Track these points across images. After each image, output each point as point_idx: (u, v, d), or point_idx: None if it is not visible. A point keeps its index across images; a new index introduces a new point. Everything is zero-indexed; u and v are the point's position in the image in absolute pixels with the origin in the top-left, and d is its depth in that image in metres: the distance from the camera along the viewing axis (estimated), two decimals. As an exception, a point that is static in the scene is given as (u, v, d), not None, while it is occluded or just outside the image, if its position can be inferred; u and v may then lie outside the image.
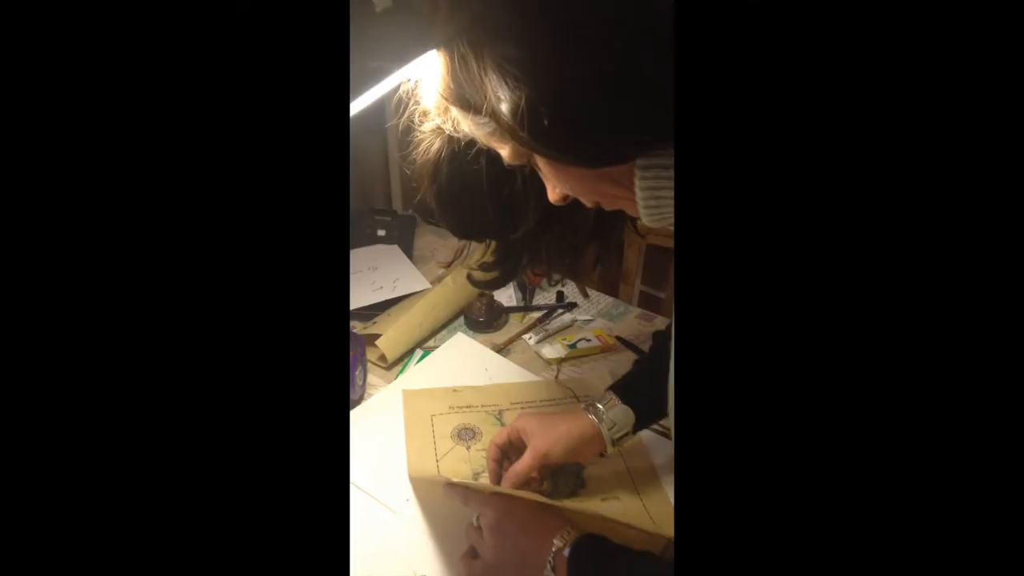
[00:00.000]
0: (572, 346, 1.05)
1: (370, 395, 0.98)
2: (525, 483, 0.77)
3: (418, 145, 0.64)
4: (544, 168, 0.56)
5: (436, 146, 0.64)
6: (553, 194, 0.59)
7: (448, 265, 0.77)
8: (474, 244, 0.74)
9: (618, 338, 1.07)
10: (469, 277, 0.75)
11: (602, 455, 0.80)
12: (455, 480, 0.75)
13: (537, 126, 0.47)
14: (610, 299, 1.15)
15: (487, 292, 1.04)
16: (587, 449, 0.78)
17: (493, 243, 0.74)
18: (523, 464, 0.76)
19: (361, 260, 1.19)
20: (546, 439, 0.75)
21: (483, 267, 0.75)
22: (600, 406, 0.78)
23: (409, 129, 0.62)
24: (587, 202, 0.58)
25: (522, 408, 0.94)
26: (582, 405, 0.79)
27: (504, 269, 0.75)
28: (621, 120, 0.47)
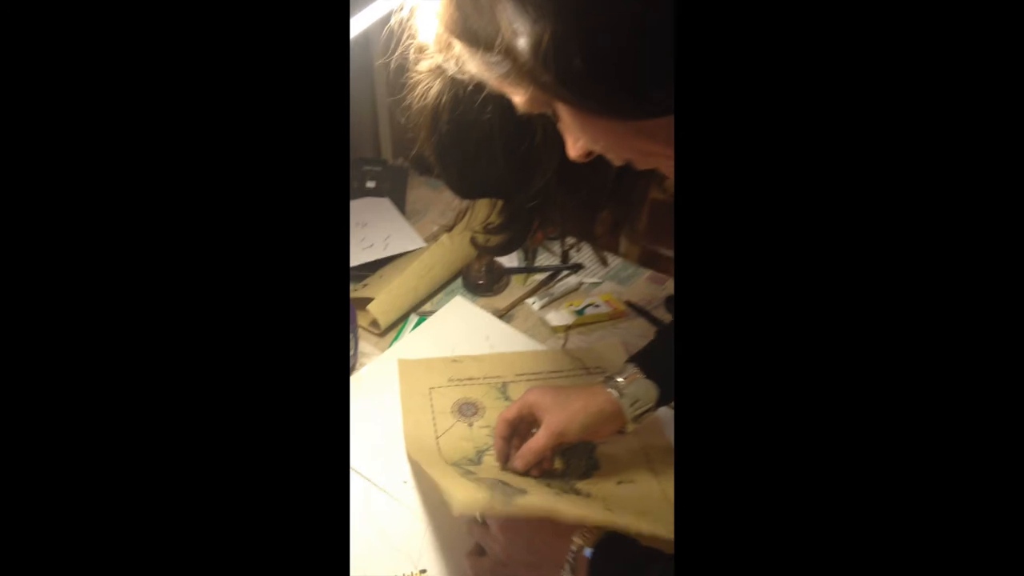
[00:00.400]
0: (579, 312, 0.97)
1: (362, 365, 0.91)
2: (538, 463, 0.71)
3: (413, 88, 0.55)
4: (567, 119, 0.47)
5: (435, 89, 0.54)
6: (575, 149, 0.50)
7: (450, 228, 0.68)
8: (478, 203, 0.65)
9: (629, 303, 0.99)
10: (473, 241, 0.67)
11: (620, 432, 0.73)
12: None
13: (565, 68, 0.38)
14: (619, 260, 1.06)
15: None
16: (605, 427, 0.71)
17: (500, 203, 0.65)
18: (537, 442, 0.69)
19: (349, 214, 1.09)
20: (562, 415, 0.68)
21: (489, 229, 0.66)
22: (620, 380, 0.70)
23: (403, 69, 0.53)
24: (616, 159, 0.49)
25: (528, 380, 0.87)
26: (600, 379, 0.72)
27: (513, 232, 0.67)
28: (666, 64, 0.38)
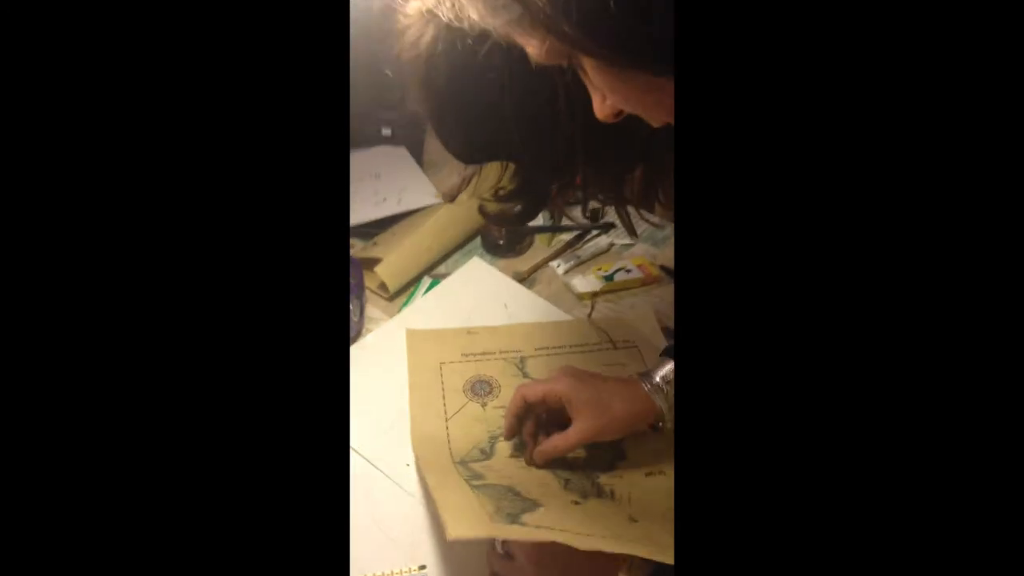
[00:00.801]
0: (608, 277, 0.88)
1: (368, 331, 0.84)
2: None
3: (402, 34, 0.45)
4: (593, 73, 0.39)
5: (428, 37, 0.45)
6: (603, 108, 0.42)
7: (452, 197, 0.60)
8: (487, 166, 0.56)
9: (663, 268, 0.90)
10: (482, 211, 0.58)
11: (654, 429, 0.66)
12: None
13: (592, 14, 0.32)
14: (654, 218, 0.97)
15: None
16: (641, 427, 0.65)
17: (512, 166, 0.56)
18: (567, 442, 0.63)
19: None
20: (599, 422, 0.62)
21: (500, 197, 0.58)
22: (658, 378, 0.63)
23: (390, 10, 0.44)
24: (653, 121, 0.41)
25: (548, 355, 0.79)
26: (630, 356, 0.64)
27: (527, 200, 0.58)
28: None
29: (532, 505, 0.58)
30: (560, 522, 0.55)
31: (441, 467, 0.65)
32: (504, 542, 0.56)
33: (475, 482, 0.62)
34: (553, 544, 0.49)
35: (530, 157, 0.53)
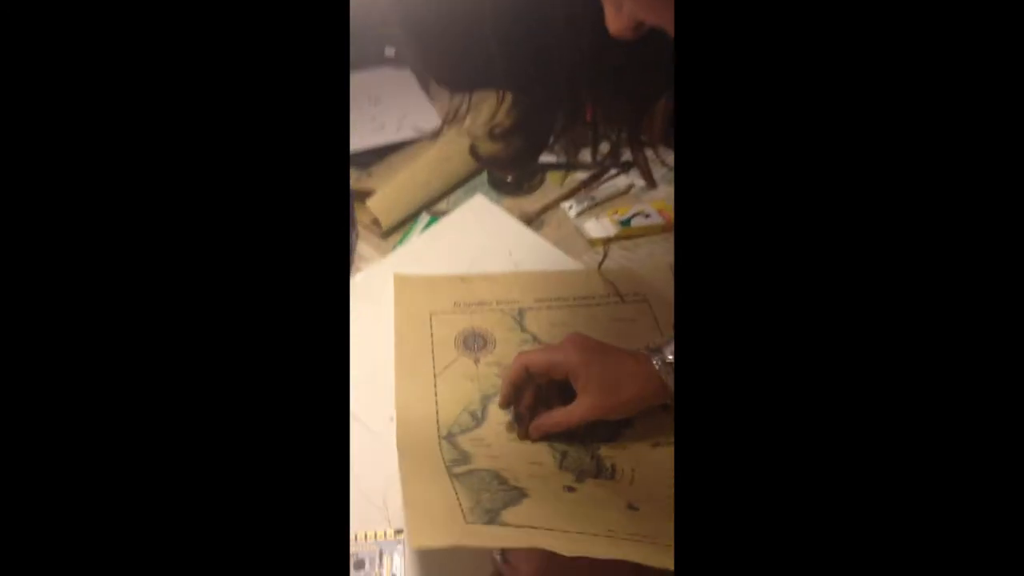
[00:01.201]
0: (625, 223, 0.80)
1: (358, 270, 0.77)
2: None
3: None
4: None
5: None
6: (618, 20, 0.36)
7: (435, 133, 0.51)
8: (480, 97, 0.48)
9: (686, 214, 0.81)
10: (474, 152, 0.50)
11: (663, 408, 0.60)
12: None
13: None
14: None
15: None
16: (649, 406, 0.59)
17: (509, 96, 0.48)
18: (569, 419, 0.57)
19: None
20: (606, 402, 0.56)
21: (495, 134, 0.49)
22: (670, 356, 0.56)
23: None
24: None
25: (550, 307, 0.72)
26: (647, 351, 0.58)
27: (527, 137, 0.50)
28: None
29: (517, 496, 0.52)
30: (546, 518, 0.48)
31: (422, 446, 0.59)
32: (502, 552, 0.50)
33: (457, 468, 0.56)
34: (553, 554, 0.43)
35: (527, 85, 0.44)
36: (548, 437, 0.60)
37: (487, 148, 0.50)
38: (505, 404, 0.61)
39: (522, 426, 0.60)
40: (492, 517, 0.48)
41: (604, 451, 0.60)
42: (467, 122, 0.46)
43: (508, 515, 0.48)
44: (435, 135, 0.57)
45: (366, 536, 0.57)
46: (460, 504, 0.49)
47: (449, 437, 0.60)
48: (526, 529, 0.47)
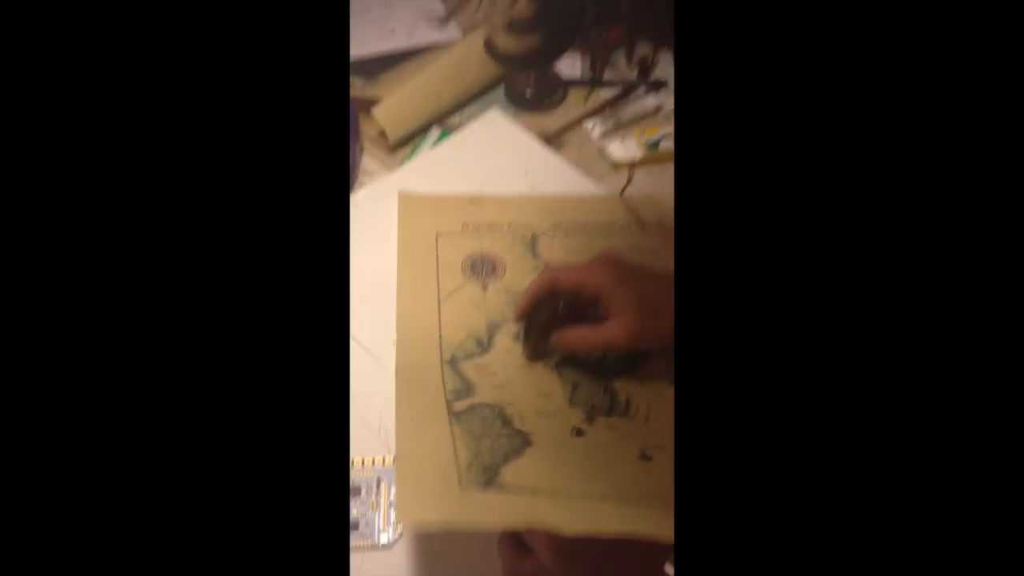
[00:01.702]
0: (652, 145, 0.74)
1: (362, 185, 0.72)
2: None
3: None
4: None
5: None
6: None
7: (444, 18, 0.45)
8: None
9: (719, 140, 0.75)
10: (489, 46, 0.44)
11: None
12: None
13: None
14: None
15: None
16: None
17: (530, -17, 0.41)
18: (597, 338, 0.52)
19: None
20: (644, 324, 0.51)
21: (514, 27, 0.43)
22: None
23: None
24: None
25: (565, 234, 0.67)
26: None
27: (550, 32, 0.43)
28: None
29: (521, 444, 0.48)
30: (549, 474, 0.44)
31: (422, 373, 0.54)
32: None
33: (459, 404, 0.51)
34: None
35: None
36: (564, 358, 0.55)
37: (504, 43, 0.44)
38: (520, 315, 0.56)
39: (529, 344, 0.56)
40: (491, 475, 0.44)
41: (619, 383, 0.55)
42: (481, 9, 0.40)
43: (507, 472, 0.45)
44: (445, 20, 0.51)
45: (363, 462, 0.54)
46: (456, 458, 0.45)
47: (452, 362, 0.56)
48: (527, 497, 0.43)
